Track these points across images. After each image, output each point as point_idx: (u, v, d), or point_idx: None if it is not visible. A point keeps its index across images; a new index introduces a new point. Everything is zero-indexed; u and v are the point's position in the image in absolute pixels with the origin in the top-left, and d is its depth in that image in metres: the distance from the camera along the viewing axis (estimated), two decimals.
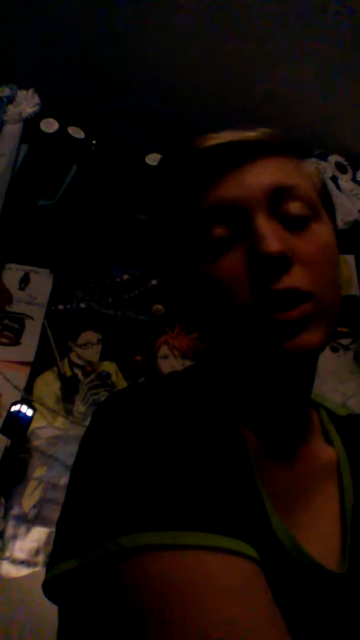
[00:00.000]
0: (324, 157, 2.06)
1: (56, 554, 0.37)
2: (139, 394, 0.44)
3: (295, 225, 0.44)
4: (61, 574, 0.36)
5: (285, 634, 0.32)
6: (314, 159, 2.04)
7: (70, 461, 1.54)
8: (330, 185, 1.98)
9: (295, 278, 0.41)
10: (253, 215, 0.43)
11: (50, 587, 0.37)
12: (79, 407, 1.61)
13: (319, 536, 0.45)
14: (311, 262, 0.42)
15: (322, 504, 0.48)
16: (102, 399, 1.63)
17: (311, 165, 0.51)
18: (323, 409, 0.57)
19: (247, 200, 0.43)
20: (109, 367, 1.68)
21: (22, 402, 1.49)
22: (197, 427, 0.41)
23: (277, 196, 0.43)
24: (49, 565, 0.38)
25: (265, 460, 0.46)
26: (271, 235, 0.41)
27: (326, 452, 0.52)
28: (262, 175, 0.44)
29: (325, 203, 0.49)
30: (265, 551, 0.36)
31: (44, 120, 1.89)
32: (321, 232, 0.45)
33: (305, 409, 0.52)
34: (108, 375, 1.67)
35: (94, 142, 1.90)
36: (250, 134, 0.46)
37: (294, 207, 0.44)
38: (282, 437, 0.49)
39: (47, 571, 0.38)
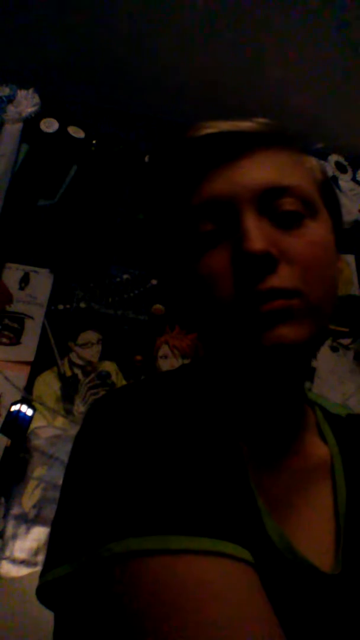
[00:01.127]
0: (324, 157, 2.06)
1: (49, 560, 0.37)
2: (131, 396, 0.44)
3: (287, 222, 0.42)
4: (55, 579, 0.35)
5: (280, 637, 0.31)
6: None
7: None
8: None
9: (280, 278, 0.40)
10: (241, 213, 0.42)
11: (44, 593, 0.37)
12: (79, 406, 1.61)
13: (313, 537, 0.44)
14: (300, 261, 0.41)
15: (316, 504, 0.47)
16: None
17: (313, 159, 0.49)
18: (318, 407, 0.56)
19: (236, 198, 0.42)
20: (109, 366, 1.69)
21: (22, 402, 1.49)
22: (189, 429, 0.41)
23: (268, 194, 0.42)
24: (43, 571, 0.37)
25: (258, 460, 0.46)
26: (256, 234, 0.40)
27: (320, 451, 0.51)
28: (255, 171, 0.43)
29: (326, 198, 0.48)
30: (259, 553, 0.36)
31: (44, 120, 1.88)
32: (314, 230, 0.44)
33: (297, 407, 0.51)
34: (108, 375, 1.67)
35: (94, 142, 1.90)
36: (245, 125, 0.44)
37: (286, 205, 0.42)
38: (276, 436, 0.48)
39: (40, 577, 0.37)
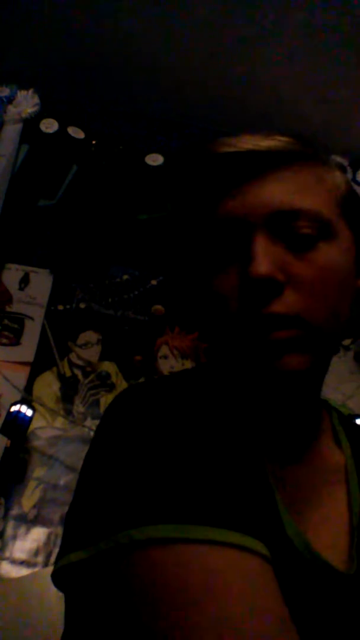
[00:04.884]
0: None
1: (66, 545, 0.38)
2: (154, 389, 0.45)
3: (300, 246, 0.42)
4: (71, 564, 0.36)
5: (293, 632, 0.32)
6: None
7: (69, 461, 1.55)
8: None
9: (283, 303, 0.41)
10: (253, 235, 0.42)
11: (59, 577, 0.38)
12: (79, 407, 1.61)
13: (328, 537, 0.45)
14: (307, 286, 0.42)
15: (331, 505, 0.48)
16: (102, 399, 1.63)
17: (338, 174, 0.48)
18: (335, 410, 0.58)
19: (249, 219, 0.43)
20: (108, 367, 1.68)
21: (21, 402, 1.49)
22: (212, 423, 0.41)
23: (280, 217, 0.42)
24: (59, 555, 0.38)
25: (275, 461, 0.47)
26: (263, 257, 0.41)
27: (335, 455, 0.52)
28: (269, 193, 0.43)
29: (349, 216, 0.47)
30: (276, 549, 0.36)
31: (44, 121, 1.88)
32: (327, 254, 0.43)
33: (314, 411, 0.52)
34: (108, 375, 1.67)
35: (94, 142, 1.90)
36: (266, 143, 0.44)
37: (300, 228, 0.42)
38: (293, 439, 0.49)
39: (56, 561, 0.38)
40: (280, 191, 0.43)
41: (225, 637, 0.29)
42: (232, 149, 0.44)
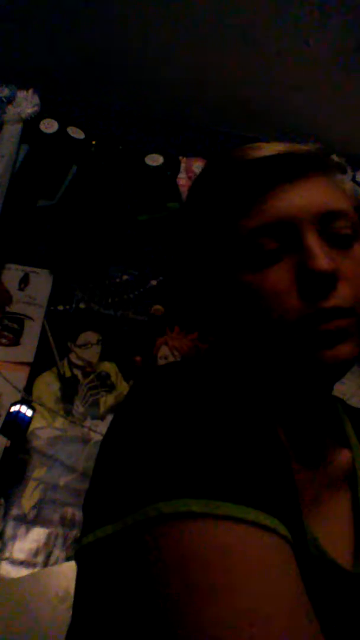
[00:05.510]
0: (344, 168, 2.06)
1: (91, 522, 0.38)
2: (183, 369, 0.45)
3: (340, 243, 0.46)
4: (98, 539, 0.36)
5: (311, 614, 0.32)
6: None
7: (69, 461, 1.55)
8: None
9: (340, 297, 0.44)
10: (304, 233, 0.45)
11: (84, 555, 0.38)
12: (79, 407, 1.61)
13: (334, 535, 0.46)
14: (355, 281, 0.45)
15: (338, 502, 0.49)
16: (102, 399, 1.63)
17: (349, 183, 0.53)
18: (339, 401, 0.60)
19: (299, 219, 0.45)
20: (108, 367, 1.68)
21: (21, 402, 1.49)
22: (239, 405, 0.42)
23: (327, 217, 0.46)
24: (82, 533, 0.38)
25: (291, 453, 0.47)
26: (322, 253, 0.43)
27: (343, 452, 0.53)
28: (314, 194, 0.46)
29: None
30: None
31: (44, 121, 1.88)
32: None
33: (328, 409, 0.54)
34: (107, 375, 1.67)
35: (94, 142, 1.90)
36: (301, 147, 0.47)
37: (340, 227, 0.46)
38: (305, 435, 0.50)
39: (81, 538, 0.38)
40: (322, 193, 0.47)
41: (244, 621, 0.29)
42: (273, 152, 0.46)
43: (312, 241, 0.44)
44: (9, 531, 1.41)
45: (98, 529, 0.36)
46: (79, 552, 0.38)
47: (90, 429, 1.55)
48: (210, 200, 0.50)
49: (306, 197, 0.46)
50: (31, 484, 1.48)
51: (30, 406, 1.48)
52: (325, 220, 0.45)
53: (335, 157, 2.06)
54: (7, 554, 1.38)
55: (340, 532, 0.47)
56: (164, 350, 1.73)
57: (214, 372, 0.47)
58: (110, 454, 0.41)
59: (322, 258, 0.43)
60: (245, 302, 0.47)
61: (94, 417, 1.59)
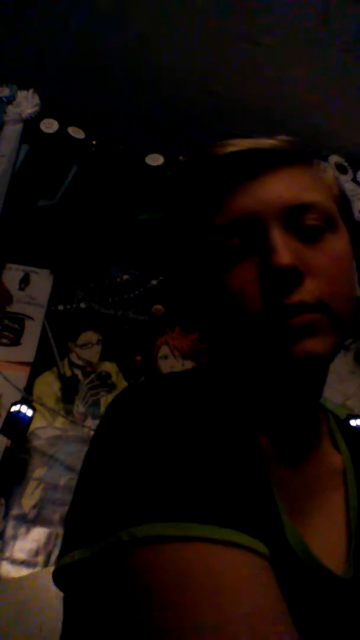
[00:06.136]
0: (324, 158, 2.07)
1: (68, 543, 0.38)
2: (153, 389, 0.45)
3: (310, 236, 0.44)
4: (73, 562, 0.36)
5: (292, 631, 0.32)
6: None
7: (70, 461, 1.55)
8: None
9: (307, 291, 0.42)
10: (268, 228, 0.43)
11: (61, 576, 0.38)
12: (79, 407, 1.61)
13: (326, 541, 0.45)
14: (323, 275, 0.43)
15: (329, 509, 0.48)
16: (102, 399, 1.63)
17: (330, 172, 0.51)
18: (331, 414, 0.58)
19: (263, 214, 0.44)
20: (108, 367, 1.68)
21: (22, 402, 1.49)
22: (211, 422, 0.41)
23: (293, 211, 0.44)
24: (60, 554, 0.38)
25: (275, 462, 0.47)
26: (284, 248, 0.42)
27: (333, 458, 0.52)
28: (279, 188, 0.45)
29: (343, 211, 0.49)
30: (274, 551, 0.36)
31: (44, 121, 1.88)
32: (335, 244, 0.45)
33: (314, 414, 0.52)
34: (108, 375, 1.67)
35: (94, 142, 1.90)
36: (268, 142, 0.46)
37: (309, 220, 0.44)
38: (292, 441, 0.49)
39: (57, 560, 0.38)
40: (289, 187, 0.45)
41: (224, 639, 0.29)
42: (238, 148, 0.45)
43: (275, 236, 0.43)
44: (9, 531, 1.41)
45: (74, 550, 0.36)
46: (55, 574, 0.38)
47: (90, 429, 1.55)
48: (184, 199, 0.50)
49: (271, 191, 0.44)
50: (31, 484, 1.48)
51: (30, 406, 1.49)
52: (292, 214, 0.44)
53: (334, 158, 2.07)
54: (7, 554, 1.38)
55: (332, 538, 0.46)
56: (164, 350, 1.73)
57: (195, 383, 0.47)
58: (87, 474, 0.42)
59: (283, 253, 0.41)
60: (216, 303, 0.46)
61: (94, 417, 1.59)
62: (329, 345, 0.43)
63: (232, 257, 0.44)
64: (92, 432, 1.54)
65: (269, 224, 0.43)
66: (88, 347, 1.70)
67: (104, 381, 1.66)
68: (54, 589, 0.40)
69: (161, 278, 1.81)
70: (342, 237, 0.47)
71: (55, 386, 1.63)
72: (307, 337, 0.42)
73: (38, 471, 1.50)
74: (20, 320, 1.69)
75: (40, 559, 1.39)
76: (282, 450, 0.48)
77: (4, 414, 1.49)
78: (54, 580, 0.39)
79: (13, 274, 1.76)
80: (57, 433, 1.55)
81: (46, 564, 1.39)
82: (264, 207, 0.44)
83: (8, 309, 1.70)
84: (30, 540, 1.41)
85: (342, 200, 0.50)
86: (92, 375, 1.66)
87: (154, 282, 1.81)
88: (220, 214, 0.45)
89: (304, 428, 0.50)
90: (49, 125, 1.88)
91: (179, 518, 0.33)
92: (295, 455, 0.49)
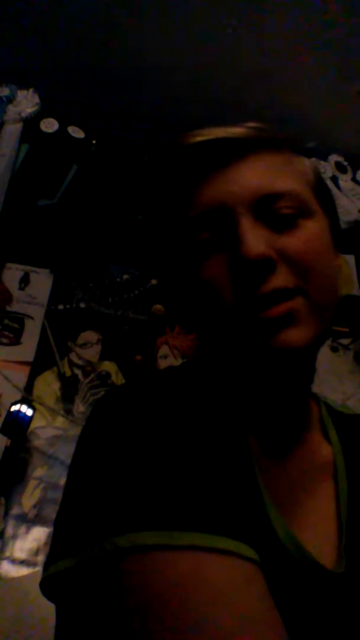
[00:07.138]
0: (324, 157, 2.07)
1: (53, 553, 0.37)
2: (136, 391, 0.44)
3: (283, 224, 0.43)
4: (58, 572, 0.35)
5: (283, 638, 0.31)
6: (314, 158, 2.04)
7: (70, 461, 1.54)
8: (330, 185, 1.98)
9: (281, 278, 0.41)
10: (237, 219, 0.42)
11: (48, 586, 0.37)
12: (79, 406, 1.61)
13: (317, 535, 0.45)
14: (299, 260, 0.42)
15: (319, 502, 0.47)
16: None
17: (306, 160, 0.49)
18: (323, 403, 0.57)
19: (231, 204, 0.43)
20: (108, 367, 1.68)
21: (22, 402, 1.49)
22: (196, 425, 0.41)
23: (263, 200, 0.43)
24: (46, 563, 0.37)
25: (264, 457, 0.46)
26: (252, 239, 0.41)
27: (324, 450, 0.52)
28: (248, 177, 0.43)
29: (321, 198, 0.48)
30: (265, 550, 0.36)
31: (44, 120, 1.88)
32: (310, 229, 0.44)
33: (303, 405, 0.51)
34: (108, 375, 1.67)
35: (94, 142, 1.90)
36: (237, 130, 0.45)
37: (282, 208, 0.43)
38: (280, 435, 0.49)
39: (44, 569, 0.37)
40: (258, 175, 0.44)
41: None
42: (204, 138, 0.44)
43: (243, 227, 0.41)
44: (9, 530, 1.41)
45: (60, 560, 0.36)
46: (42, 584, 0.38)
47: None
48: (157, 192, 0.49)
49: (239, 181, 0.43)
50: (32, 483, 1.48)
51: (30, 405, 1.49)
52: (262, 204, 0.42)
53: (334, 157, 2.06)
54: (7, 553, 1.38)
55: (323, 532, 0.45)
56: (164, 350, 1.73)
57: (179, 382, 0.46)
58: (71, 483, 0.41)
59: (251, 244, 0.40)
60: (192, 299, 0.45)
61: None
62: (311, 333, 0.41)
63: (203, 251, 0.43)
64: None
65: (238, 215, 0.42)
66: (88, 346, 1.70)
67: (104, 381, 1.66)
68: None
69: (160, 277, 1.81)
70: (317, 222, 0.45)
71: (55, 386, 1.63)
72: (286, 327, 0.40)
73: (38, 471, 1.50)
74: (20, 319, 1.69)
75: (40, 558, 1.39)
76: (271, 445, 0.47)
77: (3, 414, 1.49)
78: (42, 591, 0.38)
79: (13, 273, 1.76)
80: (57, 432, 1.55)
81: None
82: (232, 197, 0.43)
83: (8, 308, 1.70)
84: (30, 540, 1.41)
85: (318, 186, 0.49)
86: (92, 375, 1.66)
87: (153, 281, 1.81)
88: (190, 207, 0.44)
89: (293, 421, 0.50)
90: (49, 125, 1.88)
91: (164, 526, 0.33)
92: (284, 449, 0.48)
